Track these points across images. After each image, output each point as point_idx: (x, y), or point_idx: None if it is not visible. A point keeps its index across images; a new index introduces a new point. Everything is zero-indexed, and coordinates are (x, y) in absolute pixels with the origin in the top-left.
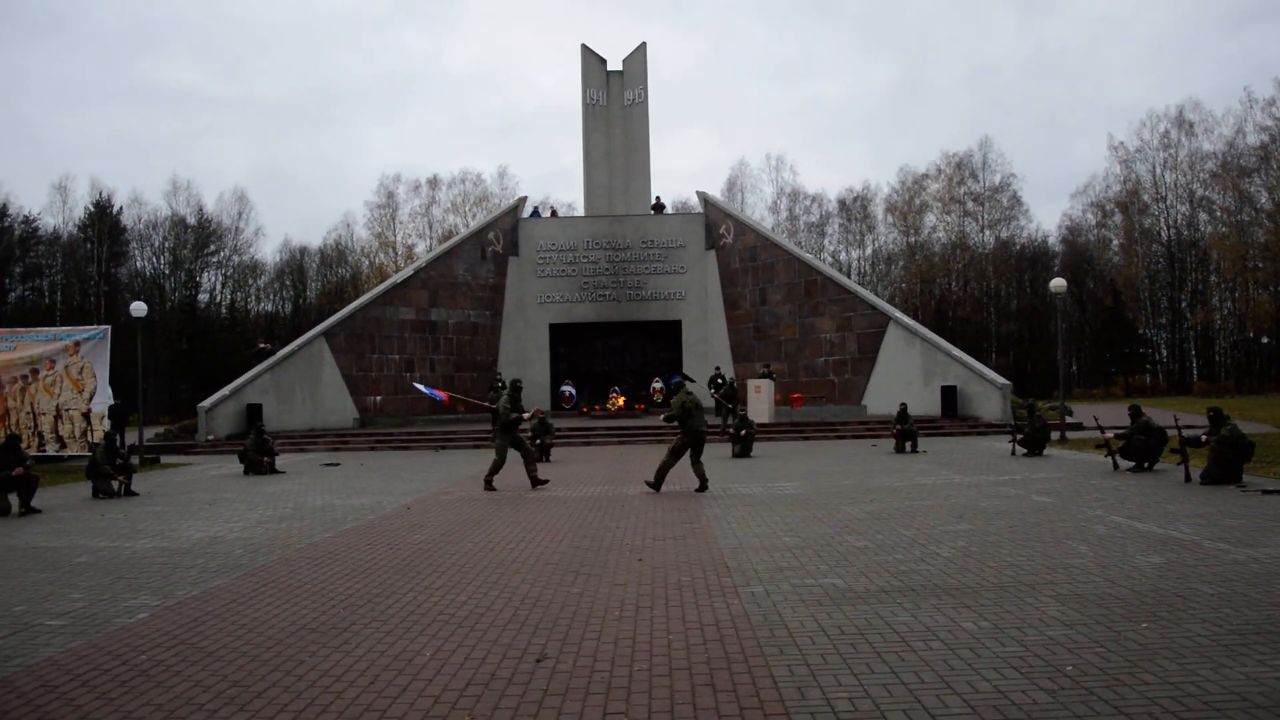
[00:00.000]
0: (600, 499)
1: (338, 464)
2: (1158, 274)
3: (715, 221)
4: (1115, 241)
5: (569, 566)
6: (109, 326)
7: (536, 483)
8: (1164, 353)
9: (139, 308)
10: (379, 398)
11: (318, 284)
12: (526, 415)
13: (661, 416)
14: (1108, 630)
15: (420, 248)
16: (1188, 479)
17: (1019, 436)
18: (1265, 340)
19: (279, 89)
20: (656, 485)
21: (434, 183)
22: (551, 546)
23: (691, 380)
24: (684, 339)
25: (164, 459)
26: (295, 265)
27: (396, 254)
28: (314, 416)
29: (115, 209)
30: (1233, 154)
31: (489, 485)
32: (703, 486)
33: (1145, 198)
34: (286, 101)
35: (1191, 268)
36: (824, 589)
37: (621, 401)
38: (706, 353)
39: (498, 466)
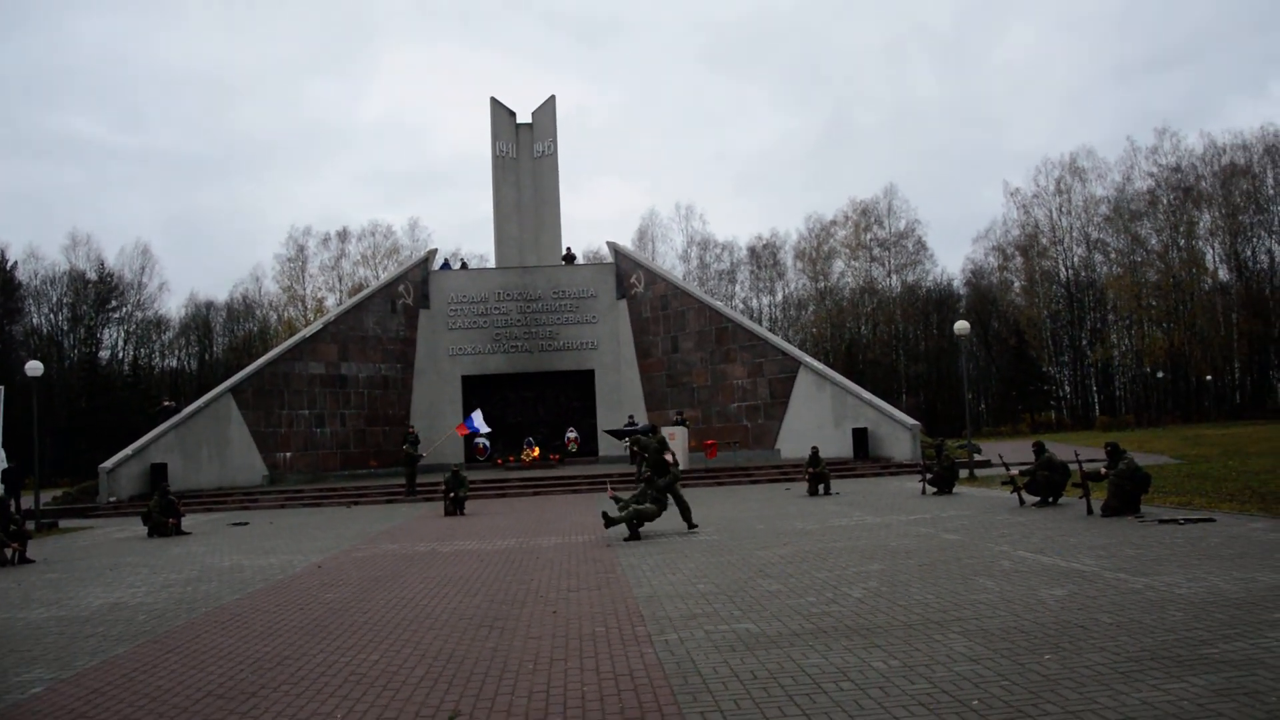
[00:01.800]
0: (514, 551)
1: (246, 523)
2: (1058, 313)
3: (626, 271)
4: (1017, 283)
5: (483, 621)
6: (2, 386)
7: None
8: (1067, 389)
9: (35, 367)
10: (289, 454)
11: (224, 339)
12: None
13: (658, 479)
14: (1012, 663)
15: (330, 301)
16: (1089, 512)
17: (929, 476)
18: (1160, 375)
19: (186, 140)
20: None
21: (344, 235)
22: (465, 601)
23: (647, 431)
24: (597, 388)
25: (62, 523)
26: (201, 320)
27: (306, 308)
28: (221, 475)
29: (9, 264)
30: (1123, 199)
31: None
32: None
33: (1044, 241)
34: (193, 153)
35: (1090, 307)
36: (737, 634)
37: (536, 452)
38: (620, 401)
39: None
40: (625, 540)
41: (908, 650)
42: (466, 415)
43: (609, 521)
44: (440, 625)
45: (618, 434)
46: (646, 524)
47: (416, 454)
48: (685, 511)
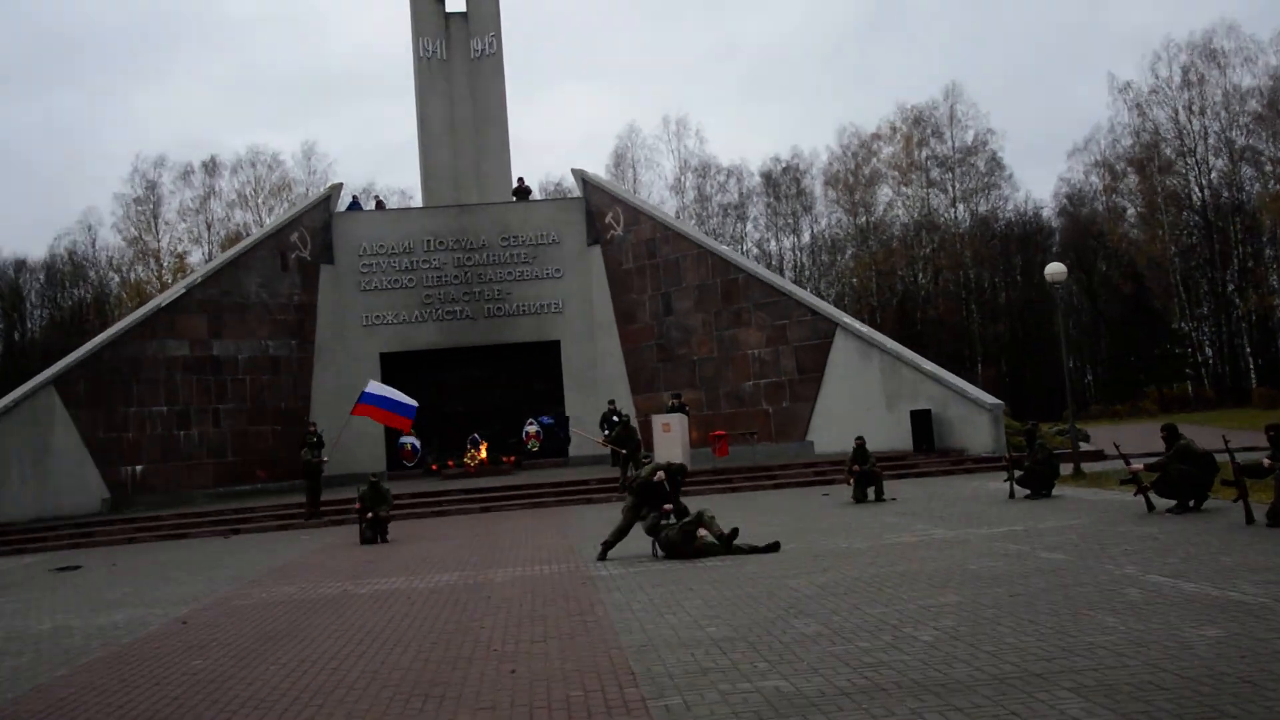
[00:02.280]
0: (456, 590)
1: (78, 567)
2: (1192, 249)
3: (599, 208)
4: (1131, 210)
5: (415, 688)
6: None
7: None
8: (1208, 352)
9: None
10: (139, 467)
11: (43, 312)
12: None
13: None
14: None
15: (195, 257)
16: (1249, 520)
17: (1017, 473)
18: None
19: None
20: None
21: (212, 167)
22: (389, 660)
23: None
24: (565, 365)
25: None
26: (8, 287)
27: (161, 266)
28: (41, 501)
29: None
30: None
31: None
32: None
33: (1168, 152)
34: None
35: (1237, 239)
36: (764, 695)
37: (484, 454)
38: (595, 381)
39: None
40: (598, 560)
41: (1000, 714)
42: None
43: (605, 551)
44: (355, 697)
45: (608, 435)
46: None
47: (320, 461)
48: (725, 539)
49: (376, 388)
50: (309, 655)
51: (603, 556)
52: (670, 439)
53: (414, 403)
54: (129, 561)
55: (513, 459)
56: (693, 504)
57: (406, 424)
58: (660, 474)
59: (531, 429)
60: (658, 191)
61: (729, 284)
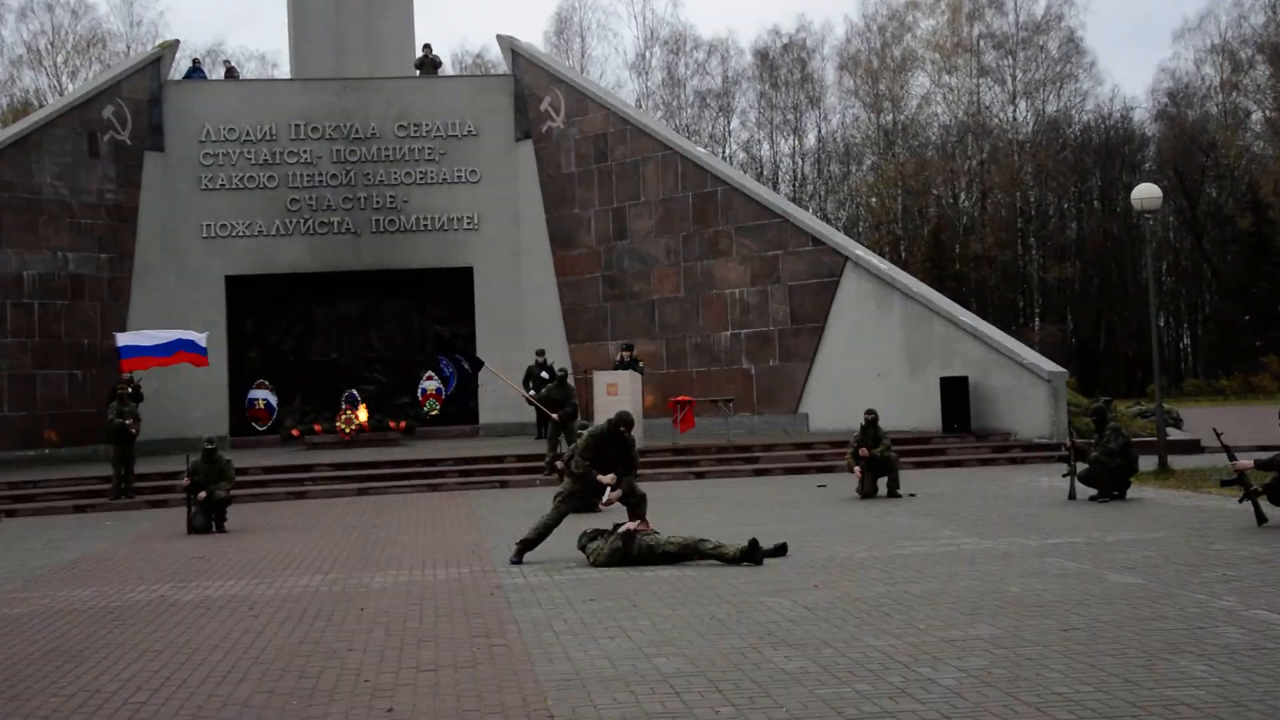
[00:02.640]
0: (319, 599)
1: None
2: None
3: (533, 91)
4: (1257, 115)
5: None
6: None
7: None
8: None
9: None
10: None
11: None
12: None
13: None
14: None
15: None
16: None
17: (1081, 466)
18: None
19: None
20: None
21: None
22: (219, 693)
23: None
24: (479, 301)
25: None
26: None
27: None
28: None
29: None
30: None
31: None
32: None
33: None
34: None
35: None
36: None
37: (364, 417)
38: (520, 325)
39: None
40: (512, 563)
41: None
42: (233, 356)
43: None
44: None
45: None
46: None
47: (119, 423)
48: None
49: (130, 335)
50: (104, 684)
51: (518, 559)
52: (617, 405)
53: (197, 337)
54: None
55: (403, 425)
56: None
57: (199, 360)
58: (622, 428)
59: (430, 385)
60: (613, 71)
61: (704, 200)
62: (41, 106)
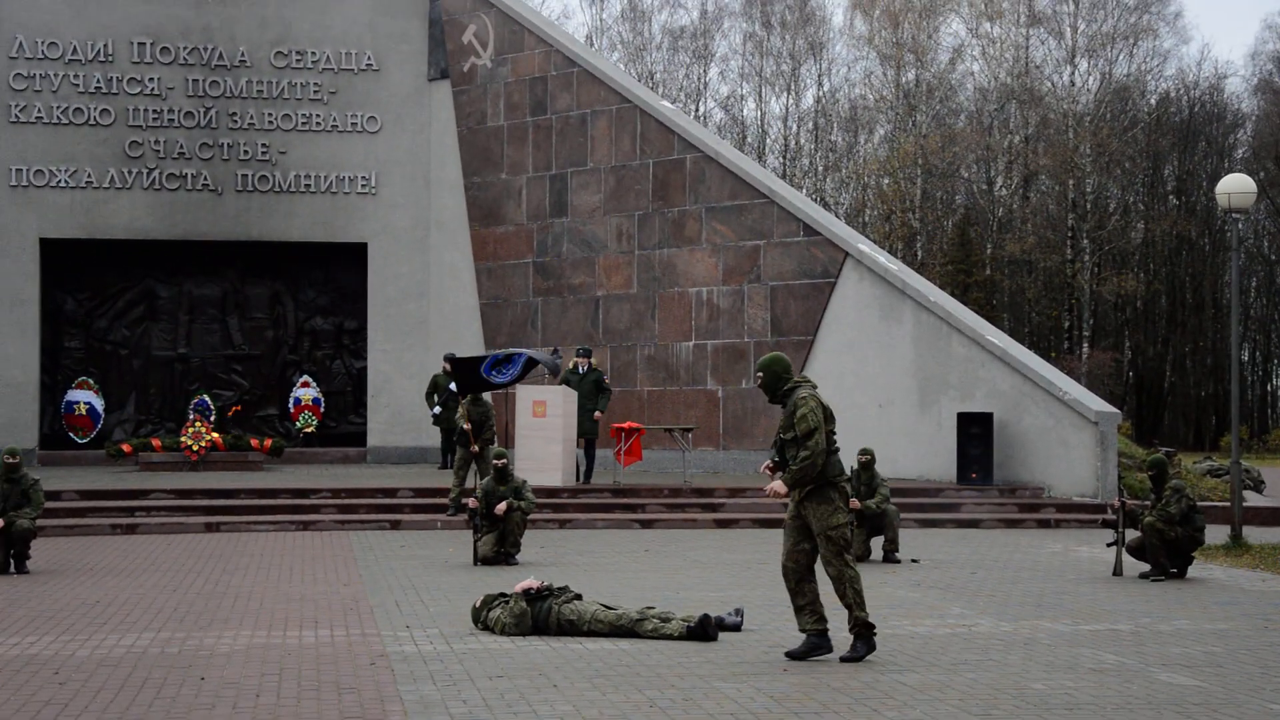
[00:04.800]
0: (147, 663)
1: None
2: None
3: (456, 16)
4: None
5: None
6: None
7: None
8: None
9: None
10: None
11: None
12: None
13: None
14: None
15: None
16: None
17: (1132, 534)
18: None
19: None
20: (864, 637)
21: None
22: None
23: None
24: (373, 287)
25: None
26: None
27: None
28: None
29: None
30: None
31: None
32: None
33: None
34: None
35: None
36: None
37: (213, 431)
38: (425, 319)
39: None
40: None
41: None
42: (47, 346)
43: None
44: None
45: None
46: None
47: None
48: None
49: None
50: None
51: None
52: (544, 430)
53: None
54: None
55: (269, 444)
56: (569, 544)
57: None
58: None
59: (306, 394)
60: None
61: (669, 169)
62: None
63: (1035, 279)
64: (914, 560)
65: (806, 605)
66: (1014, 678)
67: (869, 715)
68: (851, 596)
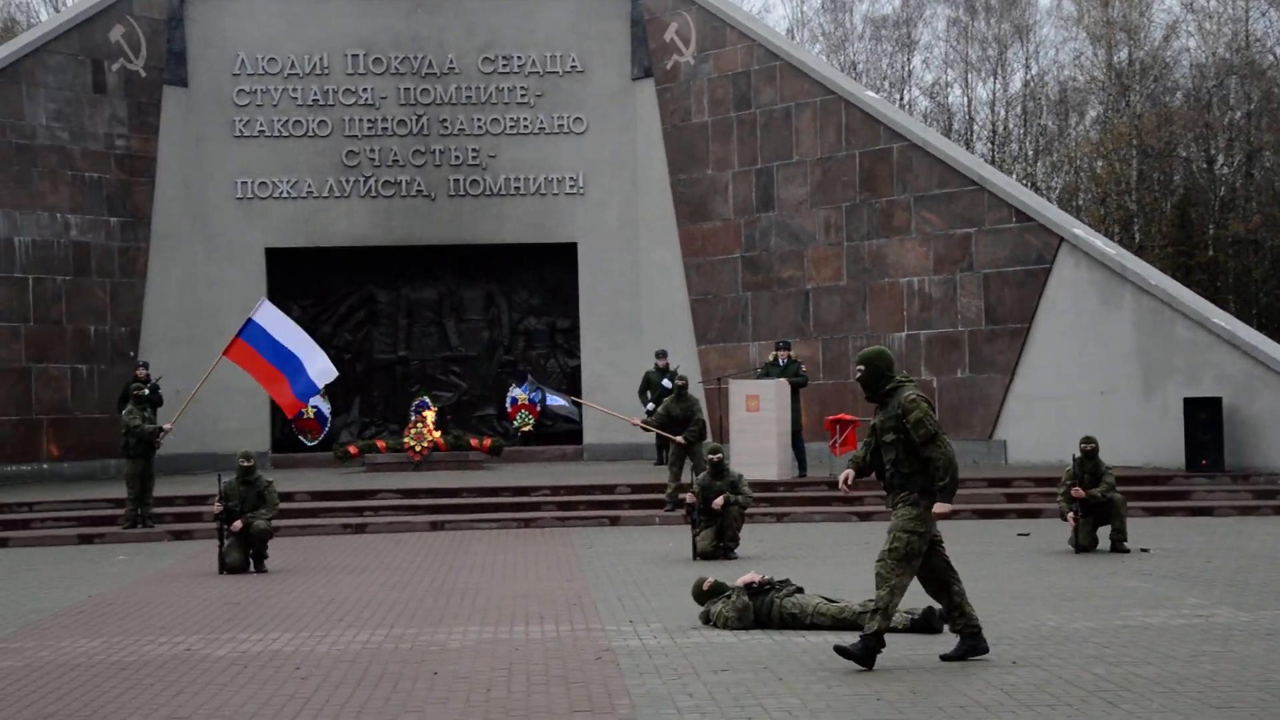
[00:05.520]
0: (382, 658)
1: None
2: None
3: (657, 15)
4: None
5: None
6: None
7: None
8: None
9: None
10: None
11: None
12: None
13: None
14: None
15: None
16: None
17: None
18: None
19: None
20: (867, 651)
21: None
22: None
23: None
24: (584, 287)
25: None
26: None
27: None
28: None
29: None
30: None
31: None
32: (969, 630)
33: None
34: None
35: None
36: None
37: (435, 430)
38: (636, 316)
39: None
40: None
41: None
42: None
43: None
44: None
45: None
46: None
47: (152, 429)
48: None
49: (272, 315)
50: None
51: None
52: (758, 424)
53: (329, 365)
54: None
55: (488, 443)
56: (788, 538)
57: (294, 405)
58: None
59: (521, 395)
60: None
61: (875, 160)
62: (32, 26)
63: (1262, 258)
64: (1143, 549)
65: (954, 607)
66: (1258, 669)
67: (1105, 709)
68: (883, 601)
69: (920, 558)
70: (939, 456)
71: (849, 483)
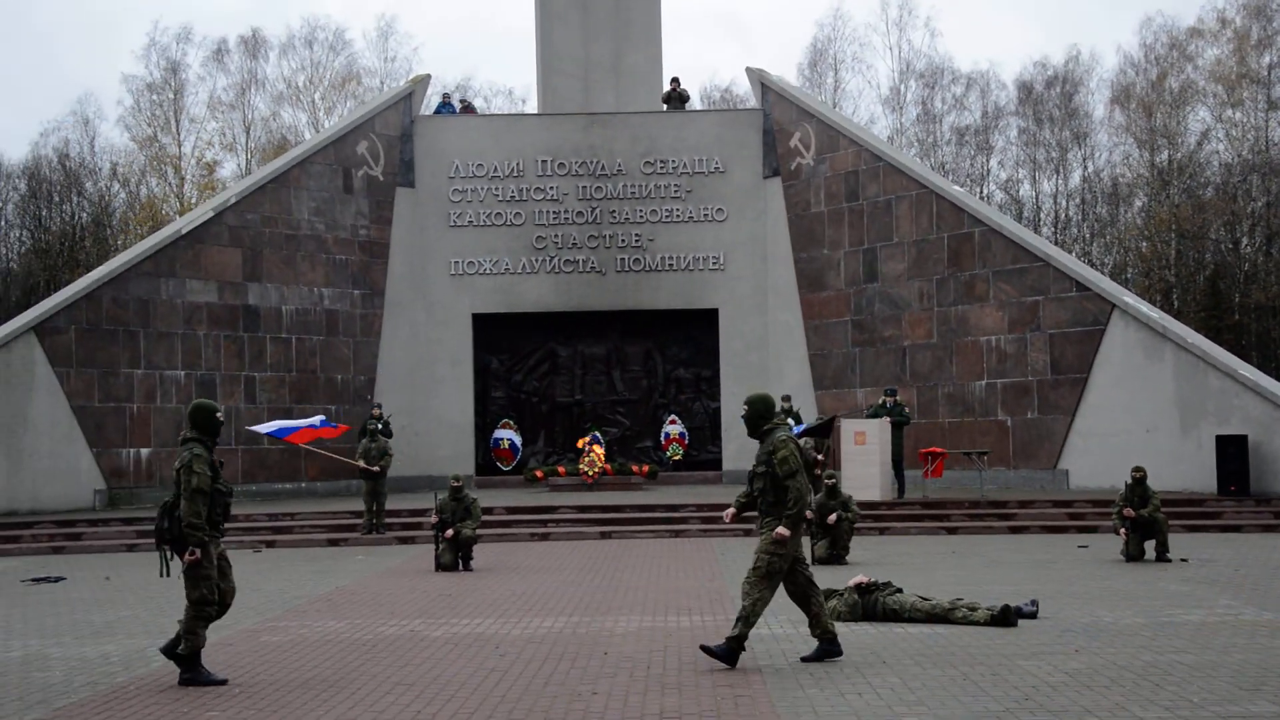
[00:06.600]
0: (564, 640)
1: (60, 578)
2: None
3: (783, 126)
4: None
5: None
6: None
7: None
8: None
9: None
10: (145, 451)
11: (22, 233)
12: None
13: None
14: None
15: (228, 169)
16: None
17: None
18: None
19: None
20: (729, 651)
21: (254, 45)
22: None
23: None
24: (724, 343)
25: None
26: None
27: (183, 178)
28: (13, 489)
29: None
30: None
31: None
32: (825, 637)
33: None
34: None
35: None
36: None
37: (603, 457)
38: (765, 368)
39: None
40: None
41: None
42: (480, 394)
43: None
44: None
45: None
46: None
47: (384, 454)
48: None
49: (269, 427)
50: (360, 715)
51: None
52: (865, 455)
53: (315, 419)
54: (127, 575)
55: (646, 470)
56: (889, 547)
57: (316, 433)
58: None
59: (674, 429)
60: (866, 105)
61: (960, 241)
62: (300, 143)
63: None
64: (1183, 559)
65: (813, 616)
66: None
67: (1152, 689)
68: (745, 610)
69: (781, 575)
70: (794, 489)
71: (730, 519)
